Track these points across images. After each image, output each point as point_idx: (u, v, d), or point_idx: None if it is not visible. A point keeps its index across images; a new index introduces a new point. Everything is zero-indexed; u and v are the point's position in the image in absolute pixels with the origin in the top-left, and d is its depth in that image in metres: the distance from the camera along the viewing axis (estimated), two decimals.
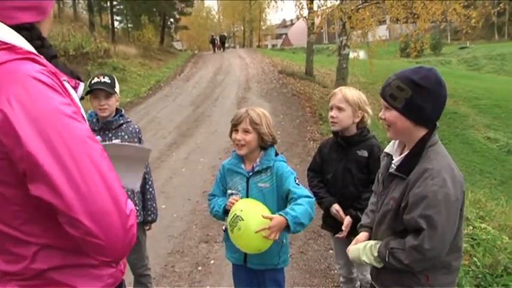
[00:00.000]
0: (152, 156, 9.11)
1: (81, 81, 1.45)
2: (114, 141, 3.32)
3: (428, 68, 2.12)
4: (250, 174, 2.79)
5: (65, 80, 1.31)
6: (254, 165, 2.80)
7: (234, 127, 2.80)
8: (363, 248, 2.30)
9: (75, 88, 1.39)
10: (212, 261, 4.73)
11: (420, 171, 2.06)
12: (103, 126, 3.33)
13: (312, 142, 9.40)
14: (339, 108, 3.02)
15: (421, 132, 2.12)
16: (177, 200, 6.65)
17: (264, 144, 2.78)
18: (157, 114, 13.22)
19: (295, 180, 2.72)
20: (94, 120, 3.35)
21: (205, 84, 18.25)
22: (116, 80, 3.38)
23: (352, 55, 15.98)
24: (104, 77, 3.27)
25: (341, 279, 3.48)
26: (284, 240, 2.86)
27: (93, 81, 3.26)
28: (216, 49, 38.01)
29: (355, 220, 2.96)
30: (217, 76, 20.44)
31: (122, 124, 3.39)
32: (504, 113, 18.30)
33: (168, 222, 5.85)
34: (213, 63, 25.67)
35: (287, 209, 2.59)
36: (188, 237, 5.37)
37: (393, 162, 2.27)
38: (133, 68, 20.57)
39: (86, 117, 1.35)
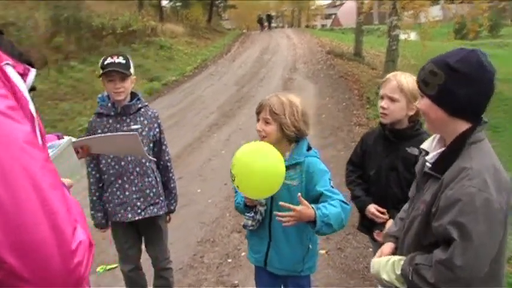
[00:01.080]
0: (192, 136, 8.95)
1: (32, 66, 1.12)
2: (132, 127, 3.05)
3: (470, 50, 1.74)
4: None
5: (8, 64, 0.99)
6: (287, 159, 2.42)
7: (257, 115, 2.46)
8: (385, 264, 1.94)
9: (23, 75, 1.07)
10: (243, 254, 4.43)
11: (456, 170, 1.69)
12: (121, 111, 3.05)
13: (357, 127, 8.91)
14: (392, 99, 2.60)
15: (460, 125, 1.75)
16: (214, 184, 6.39)
17: (288, 137, 2.41)
18: (201, 93, 13.00)
19: (330, 183, 2.35)
20: (109, 104, 3.07)
21: (251, 64, 17.87)
22: (130, 59, 3.07)
23: (402, 36, 15.23)
24: (118, 57, 2.98)
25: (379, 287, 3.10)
26: (310, 246, 2.50)
27: (106, 62, 2.96)
28: (263, 28, 37.60)
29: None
30: (263, 56, 20.00)
31: (140, 108, 3.12)
32: None
33: (202, 207, 5.60)
34: (260, 43, 25.22)
35: (319, 205, 2.24)
36: (221, 225, 5.10)
37: (427, 158, 1.88)
38: (180, 47, 20.40)
39: (34, 115, 1.03)
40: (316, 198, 2.33)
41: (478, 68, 1.68)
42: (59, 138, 2.06)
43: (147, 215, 3.13)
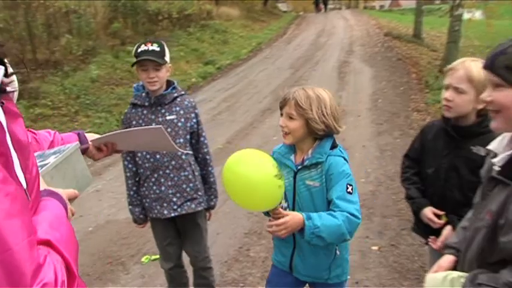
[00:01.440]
0: (245, 121, 8.79)
1: (2, 63, 0.96)
2: (167, 118, 2.89)
3: None
4: (299, 167, 2.24)
5: None
6: (304, 158, 2.25)
7: (281, 110, 2.24)
8: (442, 280, 1.68)
9: None
10: None
11: None
12: (155, 102, 2.89)
13: (415, 113, 8.46)
14: (458, 90, 2.25)
15: None
16: None
17: (314, 134, 2.19)
18: (255, 77, 12.81)
19: (347, 188, 2.11)
20: (143, 94, 2.92)
21: (307, 47, 17.47)
22: (165, 46, 2.89)
23: (466, 16, 14.36)
24: (152, 44, 2.80)
25: None
26: (338, 252, 2.26)
27: (139, 50, 2.80)
28: (319, 10, 36.85)
29: None
30: (319, 38, 19.53)
31: (176, 98, 2.94)
32: None
33: None
34: (316, 25, 24.66)
35: (315, 214, 2.06)
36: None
37: (495, 161, 1.59)
38: (235, 30, 20.23)
39: (3, 122, 0.86)
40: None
41: None
42: (80, 137, 1.92)
43: (183, 212, 2.98)
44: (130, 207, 3.11)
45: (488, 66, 1.52)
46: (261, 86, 11.62)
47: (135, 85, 3.04)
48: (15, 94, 1.20)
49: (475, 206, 1.76)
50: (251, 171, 2.02)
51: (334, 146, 2.23)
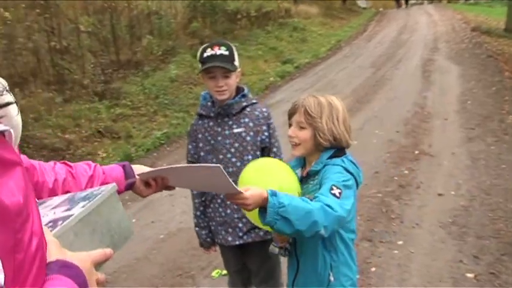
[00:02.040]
0: None
1: None
2: (235, 131, 2.57)
3: None
4: (301, 179, 2.03)
5: None
6: (308, 170, 2.05)
7: (289, 119, 2.06)
8: None
9: None
10: (373, 269, 3.83)
11: None
12: (220, 112, 2.55)
13: (510, 116, 7.66)
14: None
15: None
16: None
17: (320, 146, 1.97)
18: (334, 77, 12.32)
19: (331, 189, 1.79)
20: (209, 104, 2.60)
21: (388, 44, 16.66)
22: (234, 49, 2.54)
23: None
24: (219, 48, 2.47)
25: None
26: (332, 278, 1.96)
27: (205, 55, 2.47)
28: (400, 6, 35.52)
29: None
30: (401, 35, 18.59)
31: (245, 107, 2.58)
32: None
33: None
34: (397, 21, 23.58)
35: (281, 193, 1.70)
36: None
37: None
38: (313, 28, 19.73)
39: None
40: None
41: None
42: (125, 170, 1.61)
43: (249, 240, 2.61)
44: (196, 229, 2.81)
45: None
46: (341, 86, 11.12)
47: (202, 93, 2.73)
48: (14, 134, 0.86)
49: None
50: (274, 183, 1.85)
51: (336, 156, 1.96)
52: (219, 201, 2.63)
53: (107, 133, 8.51)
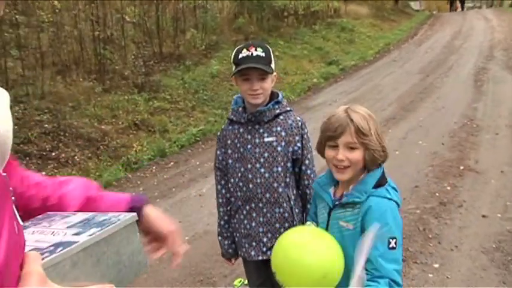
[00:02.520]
0: None
1: None
2: (266, 140, 2.44)
3: None
4: (336, 203, 1.86)
5: None
6: (344, 193, 1.91)
7: (330, 140, 1.87)
8: None
9: None
10: None
11: None
12: (251, 119, 2.42)
13: None
14: None
15: None
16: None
17: (371, 165, 1.85)
18: (380, 81, 11.98)
19: (389, 243, 1.73)
20: (240, 109, 2.47)
21: (439, 50, 16.11)
22: (271, 51, 2.40)
23: None
24: (256, 49, 2.33)
25: None
26: None
27: (240, 56, 2.34)
28: (455, 9, 34.51)
29: None
30: (454, 41, 17.95)
31: (278, 115, 2.43)
32: None
33: None
34: (451, 26, 22.82)
35: None
36: None
37: None
38: (362, 29, 19.33)
39: None
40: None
41: None
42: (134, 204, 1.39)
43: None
44: (219, 238, 2.71)
45: None
46: (386, 92, 10.79)
47: (234, 97, 2.60)
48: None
49: None
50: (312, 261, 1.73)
51: (380, 184, 1.82)
52: (244, 212, 2.52)
53: (143, 126, 8.54)
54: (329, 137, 1.86)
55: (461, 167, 6.09)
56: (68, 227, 1.07)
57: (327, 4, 18.68)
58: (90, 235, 0.99)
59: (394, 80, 12.06)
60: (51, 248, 0.95)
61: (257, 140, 2.44)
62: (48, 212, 1.21)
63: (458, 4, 35.11)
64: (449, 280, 3.82)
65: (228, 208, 2.62)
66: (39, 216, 1.18)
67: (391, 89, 11.05)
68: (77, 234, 1.01)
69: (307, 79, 12.20)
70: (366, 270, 1.71)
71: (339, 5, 20.47)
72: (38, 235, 1.03)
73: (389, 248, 1.73)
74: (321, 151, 1.96)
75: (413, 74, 12.50)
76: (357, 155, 1.82)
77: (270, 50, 2.43)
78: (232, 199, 2.58)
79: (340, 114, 1.85)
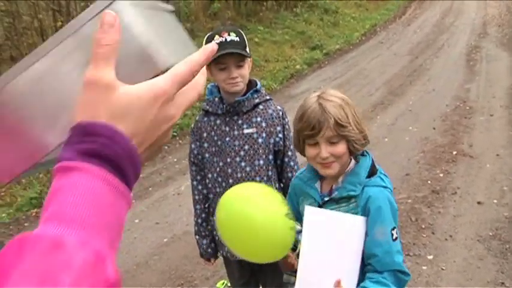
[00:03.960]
0: None
1: None
2: (245, 132, 2.43)
3: None
4: (326, 199, 1.85)
5: None
6: (333, 187, 1.89)
7: (309, 139, 1.83)
8: None
9: None
10: None
11: None
12: (229, 109, 2.41)
13: None
14: None
15: None
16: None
17: (355, 153, 1.87)
18: (366, 65, 12.01)
19: (392, 235, 1.76)
20: (216, 99, 2.44)
21: (429, 29, 16.19)
22: (244, 35, 2.40)
23: None
24: (229, 34, 2.31)
25: None
26: None
27: (214, 42, 2.29)
28: None
29: None
30: (445, 19, 18.06)
31: (257, 105, 2.44)
32: None
33: None
34: (441, 3, 22.92)
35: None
36: None
37: None
38: (347, 10, 19.34)
39: None
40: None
41: None
42: None
43: None
44: (197, 237, 2.72)
45: None
46: (373, 76, 10.82)
47: (208, 86, 2.55)
48: None
49: None
50: (255, 211, 1.69)
51: (372, 173, 1.84)
52: None
53: None
54: (307, 135, 1.83)
55: (454, 152, 6.14)
56: None
57: None
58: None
59: (382, 63, 12.10)
60: None
61: (236, 132, 2.43)
62: None
63: None
64: (444, 272, 3.86)
65: (206, 205, 2.62)
66: None
67: (378, 72, 11.09)
68: None
69: (289, 66, 12.18)
70: (370, 264, 1.75)
71: None
72: None
73: (393, 240, 1.76)
74: (300, 149, 1.94)
75: (401, 56, 12.55)
76: (341, 148, 1.81)
77: (243, 33, 2.41)
78: (211, 195, 2.57)
79: (313, 107, 1.81)
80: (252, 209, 1.72)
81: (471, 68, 10.61)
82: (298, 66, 12.25)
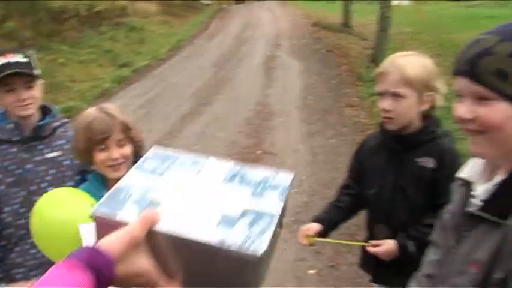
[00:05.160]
0: (163, 130, 8.27)
1: None
2: (49, 156, 2.29)
3: None
4: None
5: None
6: None
7: (99, 144, 1.88)
8: None
9: None
10: None
11: None
12: (27, 136, 2.27)
13: (348, 109, 8.31)
14: (397, 96, 1.92)
15: None
16: None
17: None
18: (174, 79, 12.27)
19: None
20: (9, 126, 2.26)
21: (231, 42, 17.12)
22: (34, 57, 2.30)
23: (395, 2, 14.58)
24: (13, 55, 2.18)
25: None
26: None
27: None
28: (239, 2, 37.87)
29: (404, 254, 1.98)
30: (244, 32, 19.24)
31: (56, 128, 2.35)
32: None
33: None
34: (240, 18, 24.39)
35: None
36: None
37: (475, 194, 1.25)
38: (153, 27, 19.55)
39: None
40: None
41: None
42: None
43: None
44: None
45: (468, 72, 1.16)
46: (182, 89, 11.12)
47: None
48: None
49: (447, 249, 1.39)
50: (62, 214, 1.74)
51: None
52: (30, 241, 2.14)
53: None
54: (97, 141, 1.87)
55: (259, 151, 6.63)
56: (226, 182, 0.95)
57: (112, 3, 18.44)
58: (280, 201, 0.91)
59: (189, 76, 12.47)
60: (251, 216, 0.85)
61: (38, 158, 2.29)
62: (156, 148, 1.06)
63: None
64: None
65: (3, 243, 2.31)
66: (150, 155, 1.03)
67: (186, 85, 11.41)
68: (255, 196, 0.91)
69: (98, 85, 11.90)
70: None
71: (126, 3, 20.37)
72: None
73: None
74: (86, 159, 1.96)
75: (207, 68, 13.07)
76: (128, 150, 1.91)
77: (33, 55, 2.31)
78: (9, 230, 2.28)
79: (96, 115, 1.88)
80: (59, 212, 1.74)
81: (269, 76, 11.49)
82: (107, 85, 12.04)
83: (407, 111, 1.95)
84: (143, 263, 0.81)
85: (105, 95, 11.40)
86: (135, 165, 1.01)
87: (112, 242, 0.77)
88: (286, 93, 9.76)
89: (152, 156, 1.03)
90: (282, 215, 0.92)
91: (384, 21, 11.97)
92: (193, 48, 16.90)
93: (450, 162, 1.89)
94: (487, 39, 1.13)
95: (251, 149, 6.76)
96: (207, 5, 34.20)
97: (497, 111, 1.12)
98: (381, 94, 1.99)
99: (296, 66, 12.22)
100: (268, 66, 12.52)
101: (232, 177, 0.96)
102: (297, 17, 23.53)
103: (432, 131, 1.99)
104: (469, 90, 1.16)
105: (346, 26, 18.61)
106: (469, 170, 1.34)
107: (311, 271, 3.89)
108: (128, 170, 1.87)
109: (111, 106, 1.96)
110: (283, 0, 40.27)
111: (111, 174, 1.91)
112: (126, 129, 1.89)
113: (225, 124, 8.06)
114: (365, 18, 22.72)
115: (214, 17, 26.09)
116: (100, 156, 1.88)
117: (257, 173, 0.99)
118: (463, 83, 1.17)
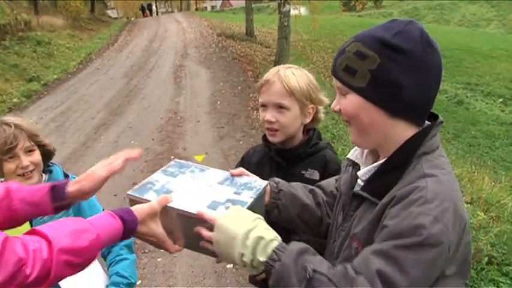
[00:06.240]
0: (77, 141, 7.97)
1: None
2: None
3: (408, 21, 1.19)
4: None
5: None
6: None
7: (8, 154, 1.82)
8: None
9: None
10: (139, 282, 3.77)
11: (403, 193, 1.12)
12: None
13: (255, 112, 8.43)
14: (280, 107, 1.84)
15: (405, 130, 1.20)
16: (101, 196, 5.58)
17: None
18: (86, 91, 11.88)
19: None
20: None
21: (140, 53, 16.83)
22: None
23: (293, 12, 15.09)
24: None
25: None
26: None
27: None
28: (146, 16, 38.12)
29: None
30: (152, 44, 18.99)
31: None
32: (449, 63, 17.76)
33: None
34: (148, 30, 24.04)
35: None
36: None
37: (360, 174, 1.31)
38: (60, 41, 18.76)
39: None
40: None
41: (424, 43, 1.16)
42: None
43: None
44: None
45: (332, 71, 1.26)
46: (93, 100, 10.78)
47: None
48: None
49: (336, 226, 1.44)
50: None
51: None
52: None
53: None
54: (4, 151, 1.80)
55: (172, 156, 6.57)
56: (219, 183, 1.39)
57: (14, 17, 17.49)
58: (250, 197, 1.31)
59: (100, 87, 12.12)
60: (228, 203, 1.26)
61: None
62: (176, 160, 1.57)
63: (148, 11, 38.49)
64: (176, 259, 4.15)
65: None
66: (172, 163, 1.52)
67: (97, 97, 11.09)
68: (236, 193, 1.33)
69: (5, 100, 11.26)
70: None
71: (30, 17, 19.40)
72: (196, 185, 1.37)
73: None
74: None
75: (118, 79, 12.78)
76: (38, 156, 1.89)
77: None
78: None
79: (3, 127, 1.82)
80: None
81: (178, 84, 11.43)
82: (15, 100, 11.42)
83: (291, 123, 1.86)
84: (157, 228, 1.23)
85: (14, 109, 10.81)
86: (161, 169, 1.48)
87: (139, 209, 1.21)
88: (195, 100, 9.76)
89: (174, 164, 1.52)
90: (261, 209, 1.38)
91: (284, 30, 12.31)
92: (103, 60, 16.43)
93: (334, 172, 1.80)
94: (347, 41, 1.23)
95: (165, 155, 6.70)
96: (115, 18, 33.43)
97: (351, 102, 1.21)
98: (264, 106, 1.90)
99: (204, 74, 12.25)
100: (177, 75, 12.44)
101: (224, 180, 1.40)
102: (202, 27, 23.55)
103: (314, 144, 1.94)
104: (336, 86, 1.26)
105: (249, 35, 18.90)
106: (357, 152, 1.43)
107: (229, 265, 3.92)
108: (39, 176, 1.85)
109: (12, 117, 1.90)
110: (188, 12, 40.21)
111: (27, 181, 1.86)
112: (32, 135, 1.86)
113: (138, 132, 7.92)
114: (267, 27, 23.26)
115: (123, 30, 25.51)
116: (9, 165, 1.83)
117: (242, 179, 1.42)
118: (335, 82, 1.27)
